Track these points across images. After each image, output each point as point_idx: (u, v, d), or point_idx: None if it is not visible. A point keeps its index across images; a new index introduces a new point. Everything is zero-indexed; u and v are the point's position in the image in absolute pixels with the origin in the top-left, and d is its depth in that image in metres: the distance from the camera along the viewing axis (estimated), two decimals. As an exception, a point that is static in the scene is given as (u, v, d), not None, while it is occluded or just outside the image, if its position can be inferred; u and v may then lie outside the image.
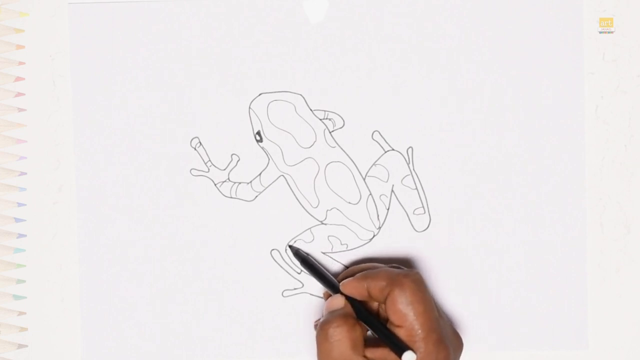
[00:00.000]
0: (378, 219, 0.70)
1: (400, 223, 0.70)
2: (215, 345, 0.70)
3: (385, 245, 0.69)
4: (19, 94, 0.70)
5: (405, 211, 0.70)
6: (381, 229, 0.70)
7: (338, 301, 0.64)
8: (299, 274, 0.69)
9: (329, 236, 0.70)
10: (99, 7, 0.69)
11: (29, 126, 0.70)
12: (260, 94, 0.70)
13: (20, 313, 0.70)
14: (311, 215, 0.70)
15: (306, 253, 0.69)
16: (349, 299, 0.64)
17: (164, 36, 0.69)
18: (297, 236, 0.69)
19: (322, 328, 0.61)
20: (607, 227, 0.70)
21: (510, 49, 0.69)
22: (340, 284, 0.64)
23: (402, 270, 0.62)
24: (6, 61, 0.69)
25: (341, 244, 0.70)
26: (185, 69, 0.69)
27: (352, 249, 0.70)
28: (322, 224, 0.70)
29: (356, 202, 0.70)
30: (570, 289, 0.69)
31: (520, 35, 0.69)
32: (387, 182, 0.70)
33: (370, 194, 0.70)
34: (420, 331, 0.60)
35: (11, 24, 0.70)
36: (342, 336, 0.61)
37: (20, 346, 0.70)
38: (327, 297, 0.66)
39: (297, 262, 0.69)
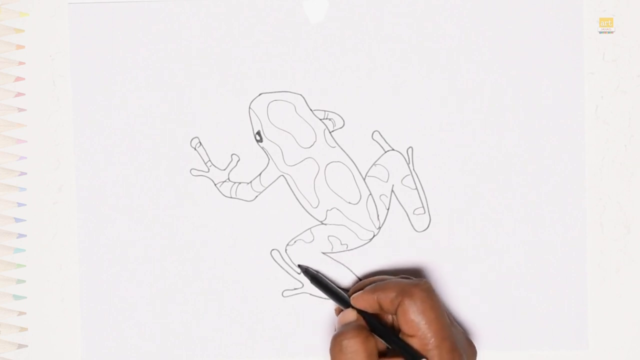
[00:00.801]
0: (378, 219, 0.70)
1: (400, 223, 0.70)
2: (215, 345, 0.70)
3: (385, 245, 0.69)
4: (19, 94, 0.70)
5: (405, 211, 0.70)
6: (381, 229, 0.70)
7: (350, 315, 0.64)
8: (299, 274, 0.69)
9: (329, 236, 0.70)
10: (99, 7, 0.69)
11: (29, 126, 0.70)
12: (260, 94, 0.70)
13: (20, 313, 0.70)
14: (311, 215, 0.70)
15: (316, 271, 0.69)
16: (360, 312, 0.64)
17: (164, 36, 0.69)
18: (297, 236, 0.69)
19: (336, 340, 0.62)
20: (607, 227, 0.70)
21: (510, 49, 0.69)
22: (351, 297, 0.65)
23: (411, 280, 0.63)
24: (6, 61, 0.69)
25: (341, 244, 0.70)
26: (185, 69, 0.69)
27: (352, 249, 0.70)
28: (322, 224, 0.70)
29: (356, 202, 0.70)
30: (570, 289, 0.69)
31: (520, 35, 0.69)
32: (387, 182, 0.70)
33: (370, 194, 0.70)
34: (433, 339, 0.60)
35: (11, 24, 0.70)
36: (357, 347, 0.61)
37: (20, 346, 0.70)
38: (338, 312, 0.67)
39: (296, 262, 0.69)
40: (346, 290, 0.68)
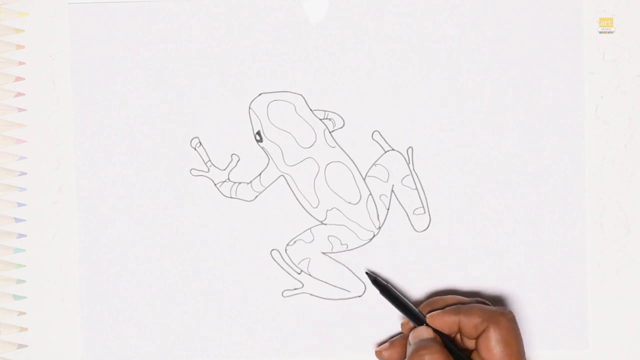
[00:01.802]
0: (378, 219, 0.70)
1: (400, 223, 0.70)
2: (215, 345, 0.70)
3: (385, 245, 0.69)
4: (19, 94, 0.70)
5: (405, 211, 0.70)
6: (381, 229, 0.70)
7: (427, 332, 0.63)
8: (299, 274, 0.69)
9: (329, 236, 0.70)
10: (99, 7, 0.69)
11: (29, 126, 0.70)
12: (260, 94, 0.70)
13: (20, 313, 0.70)
14: (311, 215, 0.70)
15: (385, 281, 0.68)
16: (435, 331, 0.64)
17: (164, 36, 0.69)
18: (297, 236, 0.69)
19: (418, 353, 0.61)
20: (607, 227, 0.70)
21: (510, 49, 0.69)
22: (429, 315, 0.64)
23: (497, 308, 0.63)
24: (6, 61, 0.69)
25: (341, 244, 0.70)
26: (185, 69, 0.69)
27: (352, 249, 0.70)
28: (322, 224, 0.70)
29: (356, 202, 0.70)
30: (570, 289, 0.69)
31: (520, 35, 0.69)
32: (387, 182, 0.70)
33: (370, 194, 0.70)
34: None
35: (11, 24, 0.70)
36: None
37: (20, 346, 0.70)
38: (406, 326, 0.66)
39: (297, 262, 0.69)
40: (416, 304, 0.67)
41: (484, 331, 0.61)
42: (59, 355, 0.70)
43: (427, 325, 0.64)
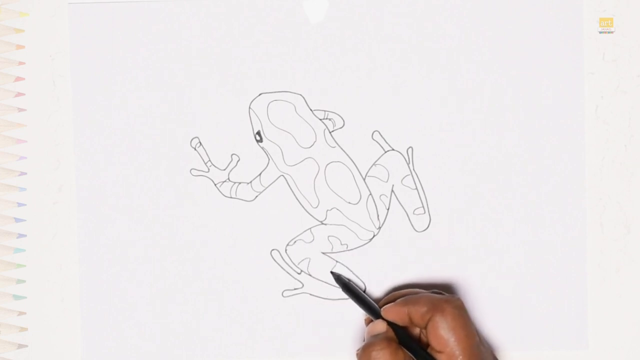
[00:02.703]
0: (378, 219, 0.70)
1: (400, 223, 0.70)
2: (215, 345, 0.70)
3: (385, 245, 0.69)
4: (19, 94, 0.70)
5: (405, 211, 0.70)
6: (381, 229, 0.70)
7: (380, 326, 0.64)
8: (299, 274, 0.69)
9: (329, 236, 0.70)
10: (99, 7, 0.69)
11: (29, 126, 0.70)
12: (260, 94, 0.70)
13: (20, 313, 0.70)
14: (311, 215, 0.70)
15: (347, 279, 0.69)
16: (390, 324, 0.64)
17: (164, 36, 0.69)
18: (297, 236, 0.69)
19: (365, 351, 0.62)
20: (607, 227, 0.70)
21: (510, 49, 0.69)
22: (382, 309, 0.65)
23: (443, 295, 0.63)
24: (6, 61, 0.69)
25: (341, 244, 0.70)
26: (185, 69, 0.69)
27: (352, 249, 0.70)
28: (322, 224, 0.70)
29: (356, 202, 0.70)
30: (570, 289, 0.69)
31: (520, 35, 0.69)
32: (387, 182, 0.70)
33: (370, 194, 0.70)
34: (461, 357, 0.60)
35: (11, 24, 0.70)
36: (385, 359, 0.61)
37: (20, 346, 0.70)
38: (368, 322, 0.67)
39: (297, 262, 0.69)
40: (377, 300, 0.68)
41: (430, 319, 0.61)
42: (59, 355, 0.70)
43: (383, 319, 0.64)
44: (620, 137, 0.70)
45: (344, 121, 0.70)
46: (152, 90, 0.69)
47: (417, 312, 0.62)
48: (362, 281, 0.69)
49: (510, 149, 0.69)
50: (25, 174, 0.70)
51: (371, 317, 0.66)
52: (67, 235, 0.70)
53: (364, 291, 0.69)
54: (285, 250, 0.69)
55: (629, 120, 0.70)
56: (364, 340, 0.65)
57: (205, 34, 0.69)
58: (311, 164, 0.70)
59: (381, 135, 0.70)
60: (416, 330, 0.65)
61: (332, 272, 0.69)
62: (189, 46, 0.69)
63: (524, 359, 0.69)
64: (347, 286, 0.68)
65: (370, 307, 0.66)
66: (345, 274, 0.69)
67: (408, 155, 0.70)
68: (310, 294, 0.70)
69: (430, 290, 0.66)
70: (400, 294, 0.66)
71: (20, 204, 0.70)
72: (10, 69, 0.69)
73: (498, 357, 0.69)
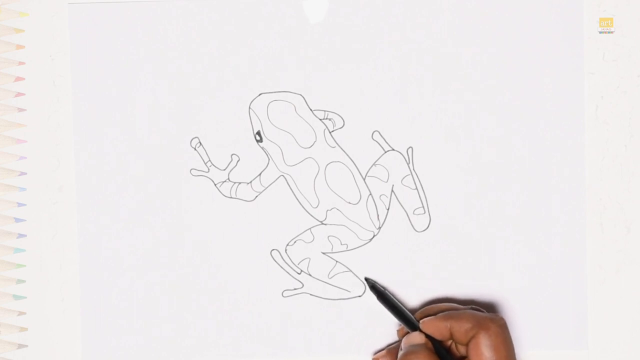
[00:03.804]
0: (378, 219, 0.70)
1: (400, 223, 0.70)
2: (215, 345, 0.70)
3: (385, 245, 0.69)
4: (19, 94, 0.70)
5: (405, 211, 0.70)
6: (381, 229, 0.70)
7: (419, 338, 0.64)
8: (299, 274, 0.69)
9: (329, 236, 0.70)
10: (99, 7, 0.69)
11: (29, 126, 0.70)
12: (260, 94, 0.70)
13: (20, 313, 0.70)
14: (311, 215, 0.70)
15: (383, 287, 0.69)
16: (427, 337, 0.64)
17: (164, 36, 0.69)
18: (297, 236, 0.69)
19: (406, 358, 0.62)
20: (607, 227, 0.70)
21: (511, 49, 0.69)
22: (421, 321, 0.64)
23: (488, 314, 0.63)
24: (6, 61, 0.69)
25: (341, 244, 0.70)
26: (185, 69, 0.69)
27: (352, 249, 0.70)
28: (322, 224, 0.70)
29: (356, 202, 0.70)
30: (570, 289, 0.69)
31: (520, 35, 0.69)
32: (387, 182, 0.70)
33: (370, 194, 0.70)
34: None
35: (11, 24, 0.70)
36: None
37: (20, 346, 0.70)
38: (401, 332, 0.67)
39: (297, 262, 0.69)
40: (412, 311, 0.67)
41: (473, 337, 0.62)
42: (59, 355, 0.70)
43: (420, 331, 0.64)
44: (620, 137, 0.70)
45: (344, 121, 0.70)
46: (152, 90, 0.69)
47: (461, 327, 0.62)
48: (362, 281, 0.69)
49: (510, 148, 0.69)
50: (25, 174, 0.70)
51: (406, 328, 0.66)
52: (67, 235, 0.70)
53: (399, 301, 0.69)
54: (285, 250, 0.69)
55: (629, 120, 0.70)
56: (400, 349, 0.64)
57: (205, 34, 0.69)
58: (311, 164, 0.70)
59: (381, 135, 0.70)
60: (447, 344, 0.65)
61: (366, 279, 0.69)
62: (189, 46, 0.69)
63: (524, 359, 0.69)
64: (382, 295, 0.68)
65: (407, 318, 0.66)
66: (345, 273, 0.69)
67: (408, 155, 0.70)
68: (310, 294, 0.70)
69: (469, 307, 0.66)
70: (439, 307, 0.66)
71: (20, 204, 0.70)
72: (10, 69, 0.69)
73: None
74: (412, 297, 0.69)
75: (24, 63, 0.70)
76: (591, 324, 0.69)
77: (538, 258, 0.69)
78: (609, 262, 0.69)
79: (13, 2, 0.69)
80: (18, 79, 0.70)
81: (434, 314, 0.65)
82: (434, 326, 0.64)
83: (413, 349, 0.63)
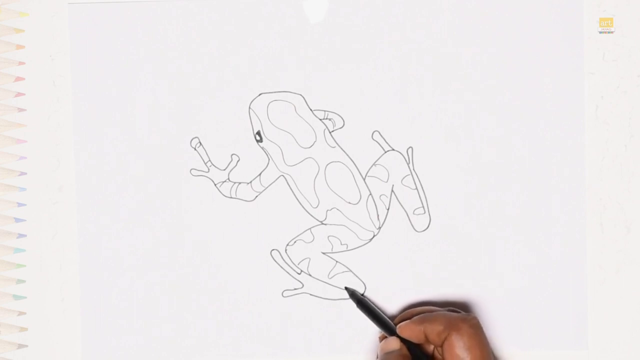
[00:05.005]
0: (378, 219, 0.70)
1: (400, 223, 0.70)
2: (215, 345, 0.70)
3: (385, 245, 0.69)
4: (19, 94, 0.70)
5: (405, 211, 0.70)
6: (381, 229, 0.70)
7: (394, 343, 0.64)
8: (299, 274, 0.69)
9: (329, 236, 0.70)
10: (99, 7, 0.69)
11: (29, 126, 0.70)
12: (260, 94, 0.70)
13: (20, 313, 0.70)
14: (311, 215, 0.70)
15: (362, 294, 0.69)
16: (404, 341, 0.64)
17: (164, 36, 0.69)
18: (297, 236, 0.69)
19: None
20: (607, 227, 0.70)
21: (511, 50, 0.69)
22: (397, 326, 0.65)
23: (460, 314, 0.63)
24: (6, 61, 0.69)
25: (341, 244, 0.70)
26: (185, 69, 0.69)
27: (352, 249, 0.70)
28: (322, 224, 0.70)
29: (356, 202, 0.70)
30: (570, 288, 0.69)
31: (521, 35, 0.69)
32: (387, 182, 0.70)
33: (370, 194, 0.70)
34: None
35: (11, 24, 0.70)
36: None
37: (20, 346, 0.70)
38: (382, 339, 0.67)
39: (297, 262, 0.69)
40: (392, 317, 0.68)
41: (446, 338, 0.62)
42: (59, 355, 0.70)
43: (398, 336, 0.64)
44: (620, 137, 0.70)
45: (344, 121, 0.70)
46: (152, 90, 0.69)
47: (434, 330, 0.62)
48: (362, 281, 0.69)
49: (510, 148, 0.69)
50: (25, 174, 0.70)
51: (385, 334, 0.66)
52: (67, 235, 0.70)
53: (376, 305, 0.69)
54: (285, 250, 0.69)
55: (629, 120, 0.70)
56: (377, 358, 0.65)
57: (205, 34, 0.69)
58: (311, 164, 0.70)
59: (381, 135, 0.70)
60: (429, 348, 0.65)
61: (346, 288, 0.69)
62: (189, 46, 0.69)
63: (524, 359, 0.69)
64: (361, 302, 0.68)
65: (385, 323, 0.66)
66: (345, 273, 0.69)
67: (408, 155, 0.70)
68: (310, 294, 0.70)
69: (446, 308, 0.66)
70: (415, 311, 0.66)
71: (20, 204, 0.70)
72: (10, 69, 0.69)
73: (498, 357, 0.69)
74: (412, 297, 0.69)
75: (24, 63, 0.70)
76: (591, 324, 0.69)
77: (538, 258, 0.69)
78: (609, 262, 0.69)
79: (13, 2, 0.69)
80: (18, 79, 0.70)
81: (411, 318, 0.65)
82: (409, 330, 0.64)
83: (388, 357, 0.63)
